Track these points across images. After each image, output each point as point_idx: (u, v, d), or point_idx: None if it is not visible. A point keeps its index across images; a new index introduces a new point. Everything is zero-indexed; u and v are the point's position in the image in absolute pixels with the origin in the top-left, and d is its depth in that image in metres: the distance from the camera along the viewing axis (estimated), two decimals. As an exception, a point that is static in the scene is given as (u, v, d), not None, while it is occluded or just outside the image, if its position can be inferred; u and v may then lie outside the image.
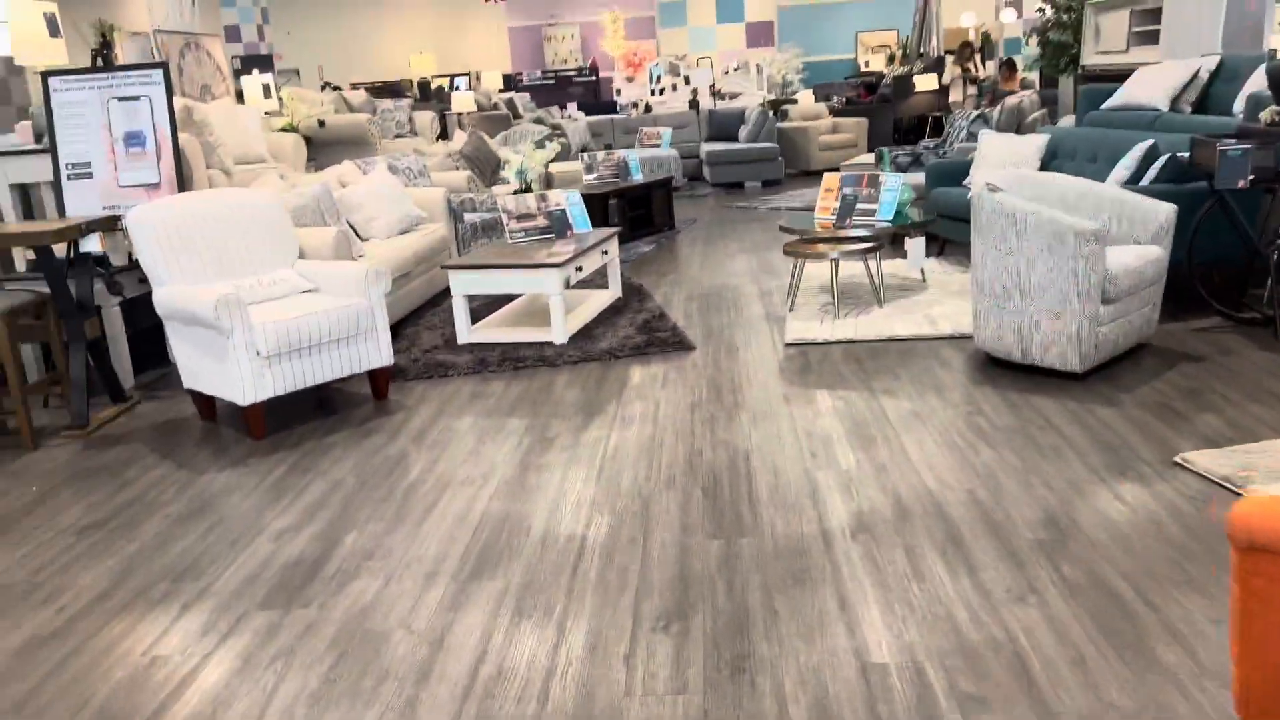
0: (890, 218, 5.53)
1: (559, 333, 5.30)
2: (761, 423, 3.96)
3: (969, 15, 16.47)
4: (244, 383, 4.10)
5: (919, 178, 7.44)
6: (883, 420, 3.89)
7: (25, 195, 5.14)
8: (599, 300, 6.09)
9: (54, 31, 5.24)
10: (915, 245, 5.58)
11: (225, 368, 4.12)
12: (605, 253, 6.09)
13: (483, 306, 6.06)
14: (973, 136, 7.87)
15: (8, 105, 8.12)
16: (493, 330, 5.54)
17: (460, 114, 12.00)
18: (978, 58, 14.68)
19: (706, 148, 12.08)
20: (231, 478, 3.78)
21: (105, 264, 4.81)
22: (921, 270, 5.95)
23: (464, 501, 3.41)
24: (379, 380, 4.62)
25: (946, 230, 6.55)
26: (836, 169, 11.06)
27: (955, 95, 13.53)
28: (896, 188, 5.58)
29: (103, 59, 7.67)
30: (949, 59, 15.01)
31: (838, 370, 4.57)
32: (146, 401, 4.87)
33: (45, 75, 4.92)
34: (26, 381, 4.79)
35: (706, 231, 8.83)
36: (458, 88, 14.54)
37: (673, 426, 3.99)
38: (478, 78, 16.85)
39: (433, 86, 16.77)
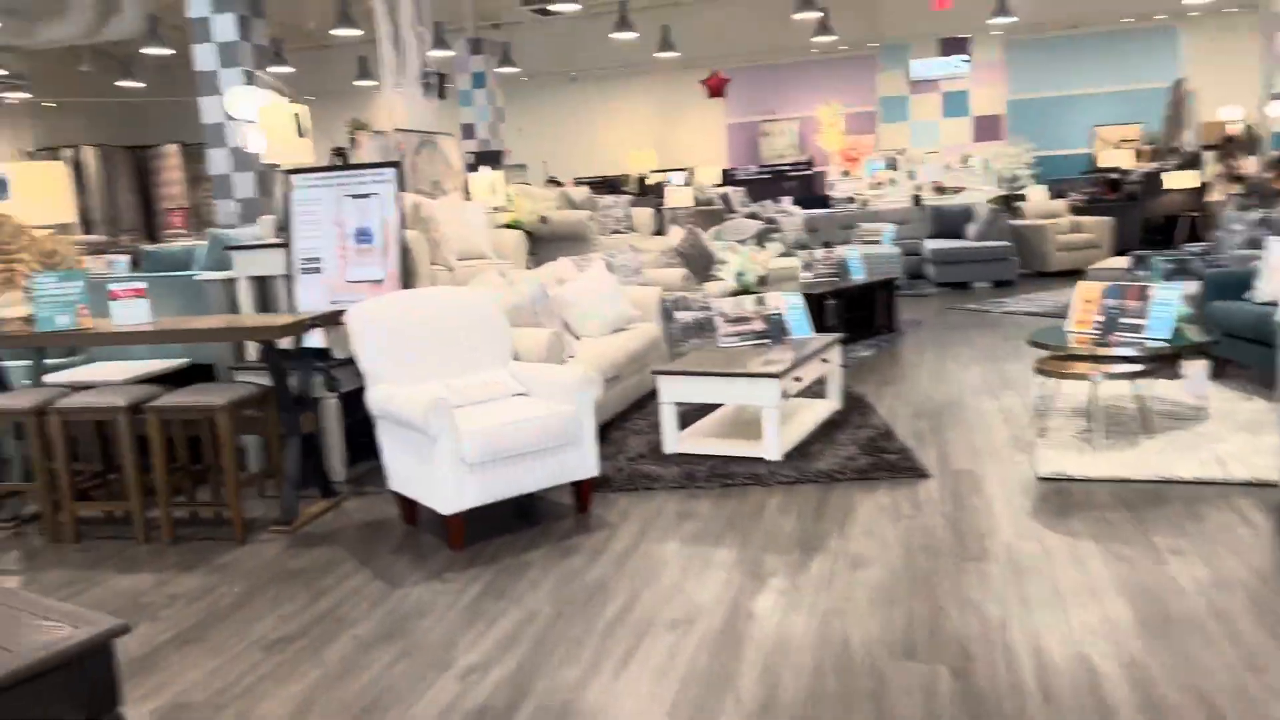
0: (1165, 335, 4.79)
1: (772, 448, 4.88)
2: (1018, 580, 3.35)
3: (1231, 108, 15.06)
4: (447, 491, 3.92)
5: (1186, 286, 6.57)
6: (1175, 591, 3.19)
7: (262, 287, 5.32)
8: (817, 411, 5.63)
9: (301, 131, 5.48)
10: (1196, 369, 4.80)
11: (430, 472, 3.97)
12: (825, 360, 5.65)
13: (692, 409, 5.74)
14: (1253, 243, 6.91)
15: (268, 197, 8.73)
16: (701, 440, 5.19)
17: (675, 209, 11.99)
18: (1241, 153, 13.34)
19: (931, 245, 11.46)
20: (425, 595, 3.56)
21: (326, 358, 4.85)
22: (1202, 398, 5.13)
23: (666, 648, 3.02)
24: (583, 490, 4.35)
25: (1229, 350, 5.67)
26: (1078, 271, 10.16)
27: (1215, 194, 12.27)
28: (1172, 302, 4.84)
29: (341, 157, 8.12)
30: (1207, 155, 13.72)
31: (1105, 517, 3.88)
32: (354, 497, 4.82)
33: (288, 173, 5.11)
34: (245, 472, 4.86)
35: (933, 335, 8.20)
36: (670, 182, 14.67)
37: (908, 575, 3.45)
38: (692, 173, 17.00)
39: (649, 181, 17.04)
